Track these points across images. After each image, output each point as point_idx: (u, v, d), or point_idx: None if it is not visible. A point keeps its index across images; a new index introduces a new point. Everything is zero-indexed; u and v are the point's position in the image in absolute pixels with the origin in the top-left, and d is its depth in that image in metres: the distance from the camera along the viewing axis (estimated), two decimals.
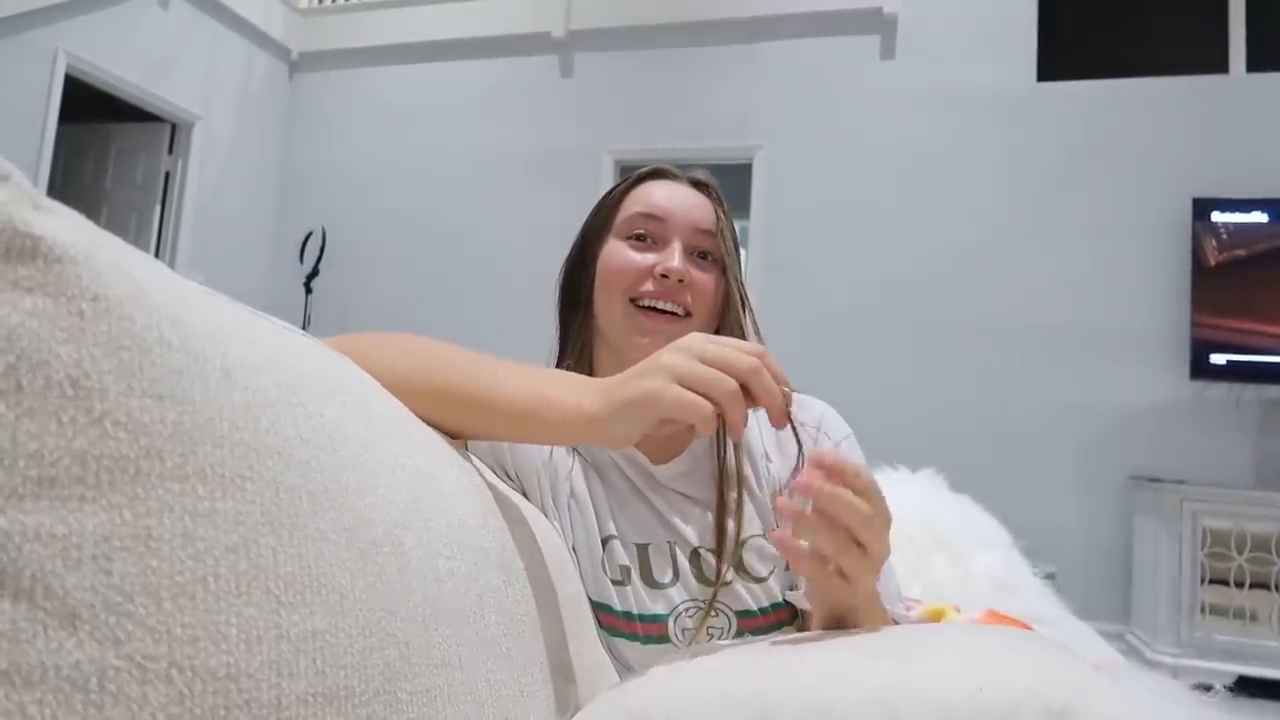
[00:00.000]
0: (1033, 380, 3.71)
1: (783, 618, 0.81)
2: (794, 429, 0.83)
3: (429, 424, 0.60)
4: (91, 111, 4.36)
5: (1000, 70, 3.93)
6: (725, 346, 0.56)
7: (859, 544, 0.54)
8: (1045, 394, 3.69)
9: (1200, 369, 3.41)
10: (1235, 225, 3.44)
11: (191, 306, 0.37)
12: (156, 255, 4.41)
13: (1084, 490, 3.61)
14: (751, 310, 0.87)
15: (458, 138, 4.78)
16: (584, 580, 0.81)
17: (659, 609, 0.80)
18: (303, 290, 4.81)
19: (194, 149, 4.54)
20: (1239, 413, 3.46)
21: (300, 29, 5.14)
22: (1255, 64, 3.69)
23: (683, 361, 0.55)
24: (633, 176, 0.90)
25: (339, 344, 0.64)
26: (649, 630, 0.80)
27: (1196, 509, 3.10)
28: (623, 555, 0.81)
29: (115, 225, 4.40)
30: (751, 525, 0.82)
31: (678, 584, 0.81)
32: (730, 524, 0.80)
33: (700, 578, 0.81)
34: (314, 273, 4.82)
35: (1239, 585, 3.04)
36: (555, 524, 0.81)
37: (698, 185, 0.89)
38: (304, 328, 4.46)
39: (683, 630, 0.80)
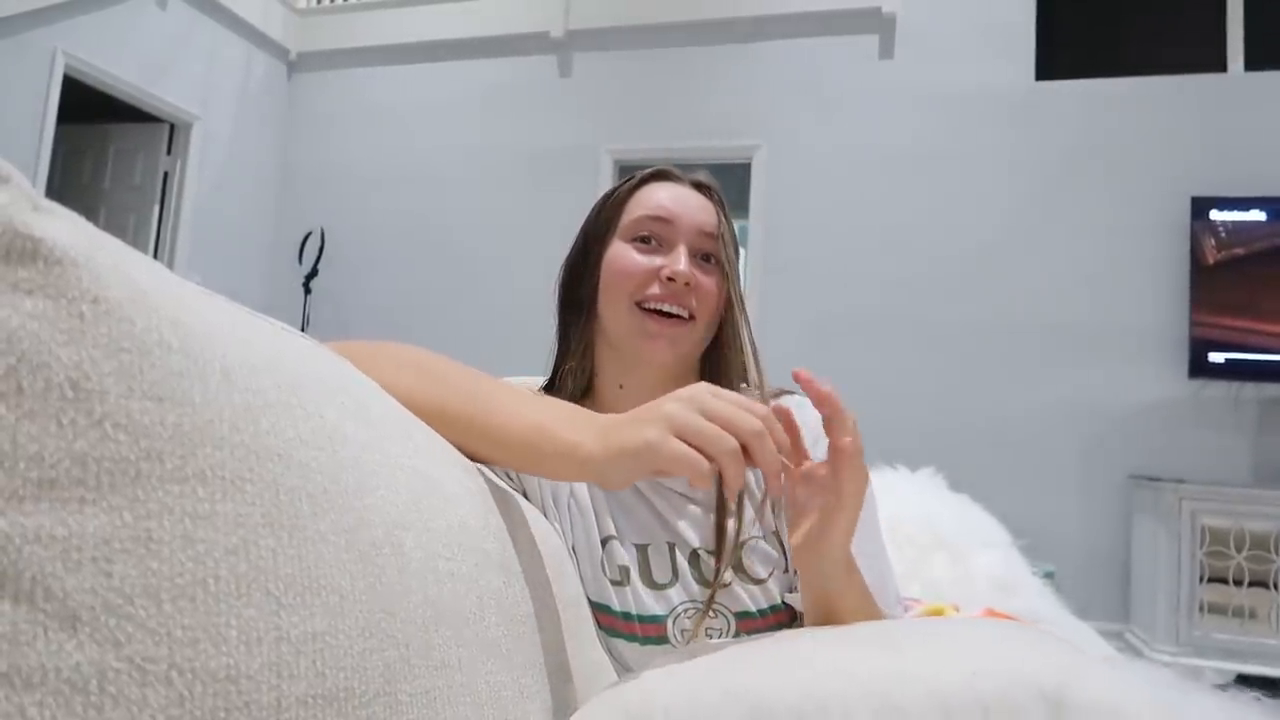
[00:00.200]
0: (1031, 379, 3.72)
1: (782, 620, 0.81)
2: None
3: None
4: (90, 112, 4.35)
5: (999, 70, 3.93)
6: (729, 403, 0.55)
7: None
8: (1044, 393, 3.69)
9: (1199, 367, 3.42)
10: (1234, 224, 3.44)
11: (191, 308, 0.37)
12: (155, 256, 4.41)
13: (1083, 489, 3.62)
14: (746, 314, 0.87)
15: (456, 137, 4.77)
16: (583, 581, 0.81)
17: (658, 610, 0.80)
18: (301, 291, 4.81)
19: (192, 149, 4.54)
20: (1237, 411, 3.46)
21: (299, 29, 5.14)
22: (1253, 63, 3.70)
23: (684, 413, 0.54)
24: (636, 178, 0.90)
25: (336, 350, 0.64)
26: (648, 631, 0.80)
27: (1195, 507, 3.10)
28: (622, 556, 0.82)
29: (113, 225, 4.40)
30: (751, 527, 0.82)
31: (677, 585, 0.81)
32: (730, 525, 0.80)
33: (699, 579, 0.81)
34: (313, 273, 4.82)
35: (1238, 584, 3.04)
36: (555, 524, 0.82)
37: (700, 187, 0.89)
38: (302, 328, 4.46)
39: (681, 631, 0.80)
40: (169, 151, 4.55)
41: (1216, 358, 3.40)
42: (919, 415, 3.78)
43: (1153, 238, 3.63)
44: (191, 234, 4.54)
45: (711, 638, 0.80)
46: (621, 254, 0.85)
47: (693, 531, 0.82)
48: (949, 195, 3.92)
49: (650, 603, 0.80)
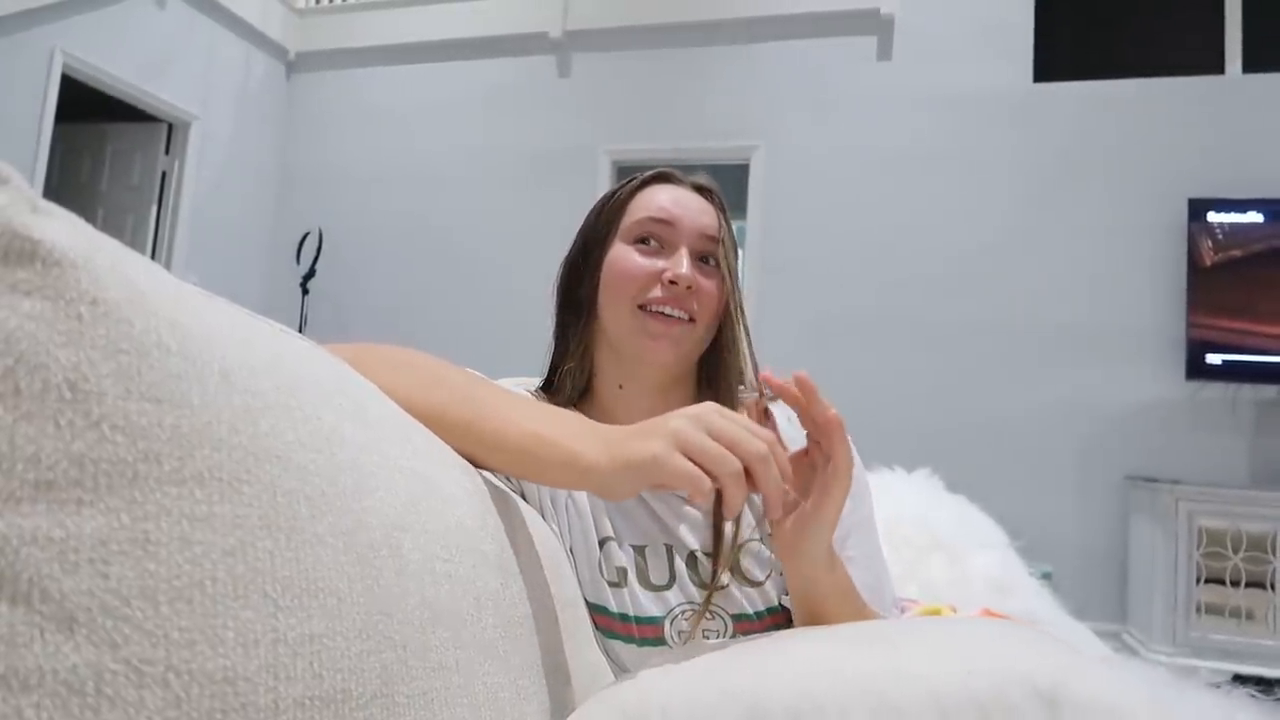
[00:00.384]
0: (1029, 380, 3.72)
1: (779, 622, 0.81)
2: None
3: None
4: (88, 111, 4.35)
5: (997, 71, 3.94)
6: (736, 425, 0.55)
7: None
8: (1041, 394, 3.70)
9: (1196, 369, 3.42)
10: (1231, 225, 3.45)
11: (189, 310, 0.37)
12: (153, 256, 4.40)
13: (1080, 490, 3.62)
14: (745, 317, 0.87)
15: (455, 138, 4.77)
16: (580, 582, 0.81)
17: (655, 611, 0.80)
18: (299, 291, 4.81)
19: (191, 149, 4.53)
20: (1234, 413, 3.47)
21: (298, 29, 5.13)
22: (1251, 65, 3.70)
23: (690, 431, 0.55)
24: (637, 180, 0.90)
25: (336, 353, 0.64)
26: (645, 632, 0.80)
27: (1192, 509, 3.11)
28: (620, 557, 0.82)
29: (111, 226, 4.39)
30: (749, 529, 0.82)
31: (674, 586, 0.81)
32: (727, 528, 0.80)
33: (697, 581, 0.81)
34: (311, 273, 4.81)
35: (1234, 584, 3.05)
36: (553, 526, 0.82)
37: (701, 190, 0.89)
38: (300, 329, 4.46)
39: (678, 633, 0.80)
40: (167, 151, 4.54)
41: (1214, 359, 3.41)
42: (916, 416, 3.78)
43: (1150, 239, 3.64)
44: (189, 234, 4.54)
45: (708, 640, 0.80)
46: (623, 256, 0.85)
47: (690, 534, 0.82)
48: (947, 197, 3.93)
49: (647, 604, 0.80)
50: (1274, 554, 3.02)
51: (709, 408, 0.57)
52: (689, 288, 0.82)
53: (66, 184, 4.61)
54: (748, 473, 0.54)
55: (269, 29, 4.92)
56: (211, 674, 0.30)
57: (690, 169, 0.93)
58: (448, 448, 0.59)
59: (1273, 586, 3.01)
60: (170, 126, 4.53)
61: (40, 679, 0.26)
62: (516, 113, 4.68)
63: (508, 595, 0.55)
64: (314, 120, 5.10)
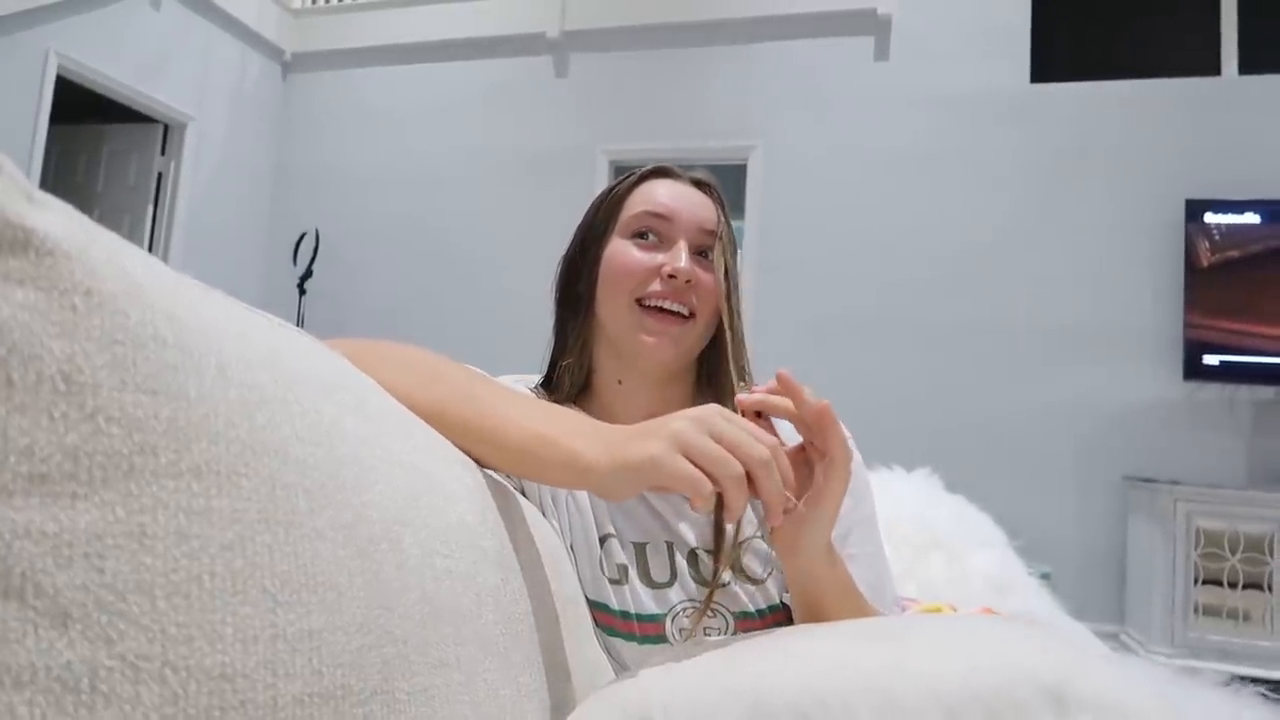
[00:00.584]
0: (1027, 380, 3.72)
1: (781, 619, 0.81)
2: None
3: None
4: (83, 112, 4.34)
5: (994, 72, 3.94)
6: (739, 429, 0.55)
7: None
8: (1039, 394, 3.70)
9: (1193, 370, 3.43)
10: (1228, 226, 3.45)
11: (186, 302, 0.36)
12: None
13: (1078, 490, 3.62)
14: (742, 314, 0.87)
15: (452, 138, 4.77)
16: (581, 579, 0.80)
17: (656, 609, 0.80)
18: (296, 292, 4.80)
19: (187, 150, 4.52)
20: (1232, 413, 3.47)
21: (293, 29, 5.13)
22: (1247, 66, 3.71)
23: (692, 433, 0.54)
24: (635, 174, 0.89)
25: (336, 348, 0.63)
26: (646, 630, 0.80)
27: (1190, 509, 3.11)
28: (620, 554, 0.81)
29: (107, 226, 4.19)
30: (750, 527, 0.81)
31: (675, 584, 0.81)
32: (729, 526, 0.79)
33: (698, 578, 0.81)
34: (307, 274, 4.80)
35: (1232, 586, 3.05)
36: (553, 522, 0.81)
37: (699, 185, 0.89)
38: None
39: (680, 630, 0.80)
40: (163, 152, 4.53)
41: (1211, 360, 3.41)
42: (915, 416, 3.78)
43: (1147, 240, 3.64)
44: (186, 235, 4.53)
45: (710, 637, 0.80)
46: (621, 251, 0.84)
47: (691, 531, 0.82)
48: (944, 197, 3.93)
49: (648, 602, 0.80)
50: (1272, 555, 3.03)
51: (712, 410, 0.56)
52: (687, 281, 0.81)
53: (62, 185, 4.59)
54: (749, 477, 0.53)
55: (264, 29, 4.91)
56: (209, 670, 0.30)
57: (689, 169, 0.92)
58: (448, 443, 0.59)
59: (1270, 588, 3.02)
60: (166, 127, 4.52)
61: (33, 675, 0.26)
62: (514, 113, 4.67)
63: (508, 592, 0.54)
64: (310, 121, 5.09)
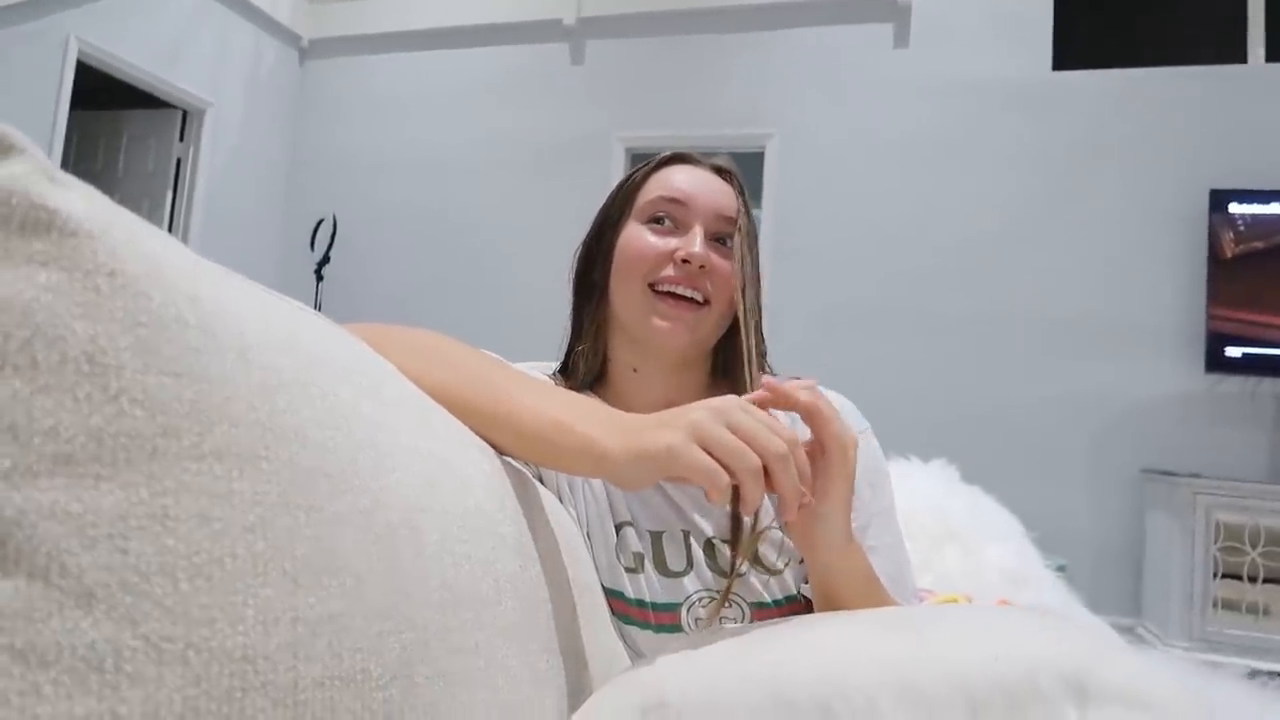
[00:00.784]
0: (1046, 372, 3.69)
1: (797, 610, 0.80)
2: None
3: None
4: (103, 98, 4.36)
5: (1015, 60, 3.89)
6: (758, 422, 0.54)
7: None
8: (1058, 386, 3.67)
9: (1215, 362, 3.38)
10: (1253, 217, 3.40)
11: (208, 284, 0.36)
12: None
13: (1096, 483, 3.59)
14: (761, 303, 0.85)
15: (468, 125, 4.76)
16: (597, 567, 0.80)
17: (672, 597, 0.80)
18: (314, 277, 4.82)
19: (205, 136, 4.55)
20: (1254, 406, 3.43)
21: (310, 15, 5.13)
22: (1275, 54, 3.65)
23: (710, 424, 0.53)
24: (654, 160, 0.88)
25: (353, 332, 0.63)
26: (661, 619, 0.80)
27: (1210, 503, 3.08)
28: (636, 543, 0.81)
29: None
30: (767, 516, 0.81)
31: (691, 573, 0.80)
32: (746, 517, 0.79)
33: (714, 568, 0.80)
34: (325, 260, 4.82)
35: (1252, 580, 3.02)
36: (570, 510, 0.81)
37: (719, 171, 0.88)
38: None
39: (695, 620, 0.79)
40: (182, 138, 4.55)
41: (1234, 352, 3.37)
42: (931, 407, 3.76)
43: (1170, 230, 3.59)
44: (204, 220, 4.56)
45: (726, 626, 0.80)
46: (635, 235, 0.83)
47: (707, 521, 0.81)
48: (963, 186, 3.89)
49: (664, 590, 0.80)
50: None
51: (731, 401, 0.56)
52: (701, 267, 0.80)
53: (82, 171, 4.62)
54: (766, 471, 0.53)
55: (281, 15, 4.92)
56: (231, 652, 0.30)
57: (709, 155, 0.91)
58: (466, 429, 0.59)
59: None
60: (185, 113, 4.54)
61: (58, 654, 0.26)
62: (530, 100, 4.66)
63: (526, 579, 0.54)
64: (326, 107, 5.10)
